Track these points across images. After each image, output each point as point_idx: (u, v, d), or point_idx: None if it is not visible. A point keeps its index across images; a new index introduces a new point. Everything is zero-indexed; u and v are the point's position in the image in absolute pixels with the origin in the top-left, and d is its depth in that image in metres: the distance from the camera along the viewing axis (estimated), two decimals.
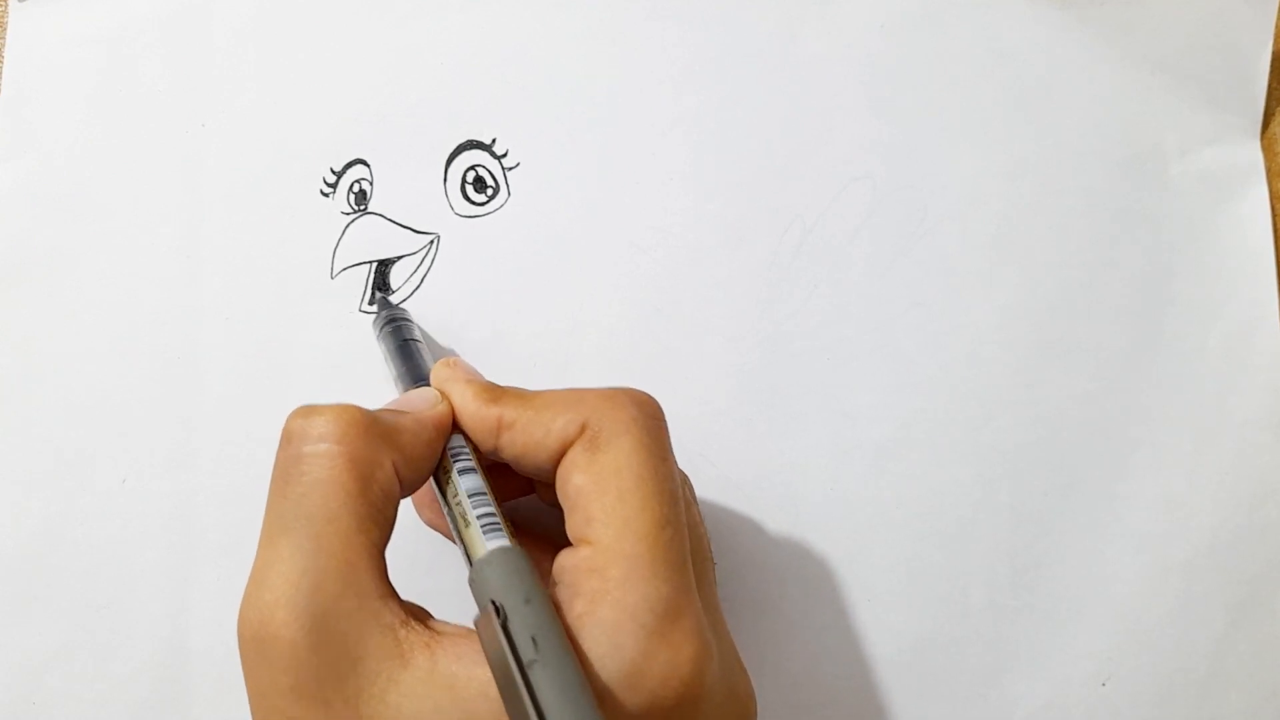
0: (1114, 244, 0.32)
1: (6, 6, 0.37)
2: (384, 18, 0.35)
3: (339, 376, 0.33)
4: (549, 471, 0.24)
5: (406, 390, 0.28)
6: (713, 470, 0.32)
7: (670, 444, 0.24)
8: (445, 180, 0.34)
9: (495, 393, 0.25)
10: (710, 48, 0.34)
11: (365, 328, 0.33)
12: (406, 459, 0.23)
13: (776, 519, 0.31)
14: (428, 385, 0.27)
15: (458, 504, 0.24)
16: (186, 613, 0.33)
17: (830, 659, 0.31)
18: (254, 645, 0.21)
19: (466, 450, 0.25)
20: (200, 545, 0.33)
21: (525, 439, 0.24)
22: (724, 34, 0.34)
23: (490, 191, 0.34)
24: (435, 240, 0.34)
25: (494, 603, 0.20)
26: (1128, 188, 0.32)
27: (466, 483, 0.24)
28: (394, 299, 0.34)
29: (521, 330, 0.33)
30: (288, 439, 0.22)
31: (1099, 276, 0.32)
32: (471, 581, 0.22)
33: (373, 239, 0.34)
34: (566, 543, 0.23)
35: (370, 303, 0.33)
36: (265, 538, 0.22)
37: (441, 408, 0.25)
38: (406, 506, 0.29)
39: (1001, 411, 0.32)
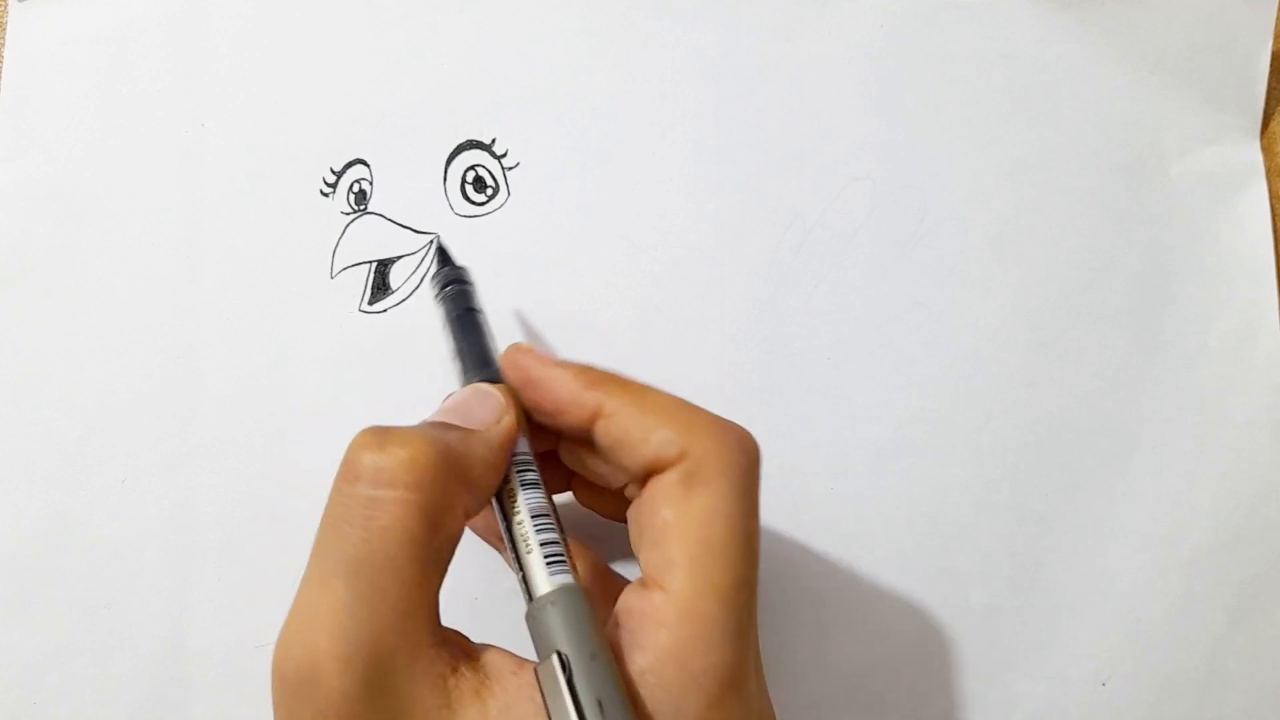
0: (1114, 244, 0.32)
1: (6, 6, 0.37)
2: (384, 18, 0.35)
3: (339, 376, 0.33)
4: (631, 478, 0.23)
5: (466, 373, 0.26)
6: None
7: (759, 495, 0.23)
8: (445, 180, 0.34)
9: (593, 376, 0.23)
10: (710, 48, 0.34)
11: (366, 328, 0.33)
12: (476, 496, 0.22)
13: (776, 519, 0.31)
14: (492, 373, 0.25)
15: (520, 525, 0.22)
16: (186, 613, 0.33)
17: (830, 659, 0.31)
18: (298, 687, 0.20)
19: (531, 460, 0.23)
20: (200, 545, 0.33)
21: (623, 434, 0.22)
22: (724, 34, 0.34)
23: (490, 191, 0.34)
24: (435, 240, 0.34)
25: (559, 654, 0.20)
26: (1127, 188, 0.32)
27: (530, 501, 0.23)
28: (394, 299, 0.33)
29: (521, 330, 0.33)
30: (354, 475, 0.21)
31: (1099, 276, 0.32)
32: (530, 618, 0.21)
33: (373, 239, 0.34)
34: (605, 552, 0.22)
35: (370, 303, 0.33)
36: (317, 576, 0.21)
37: (508, 420, 0.23)
38: None
39: (1001, 411, 0.31)
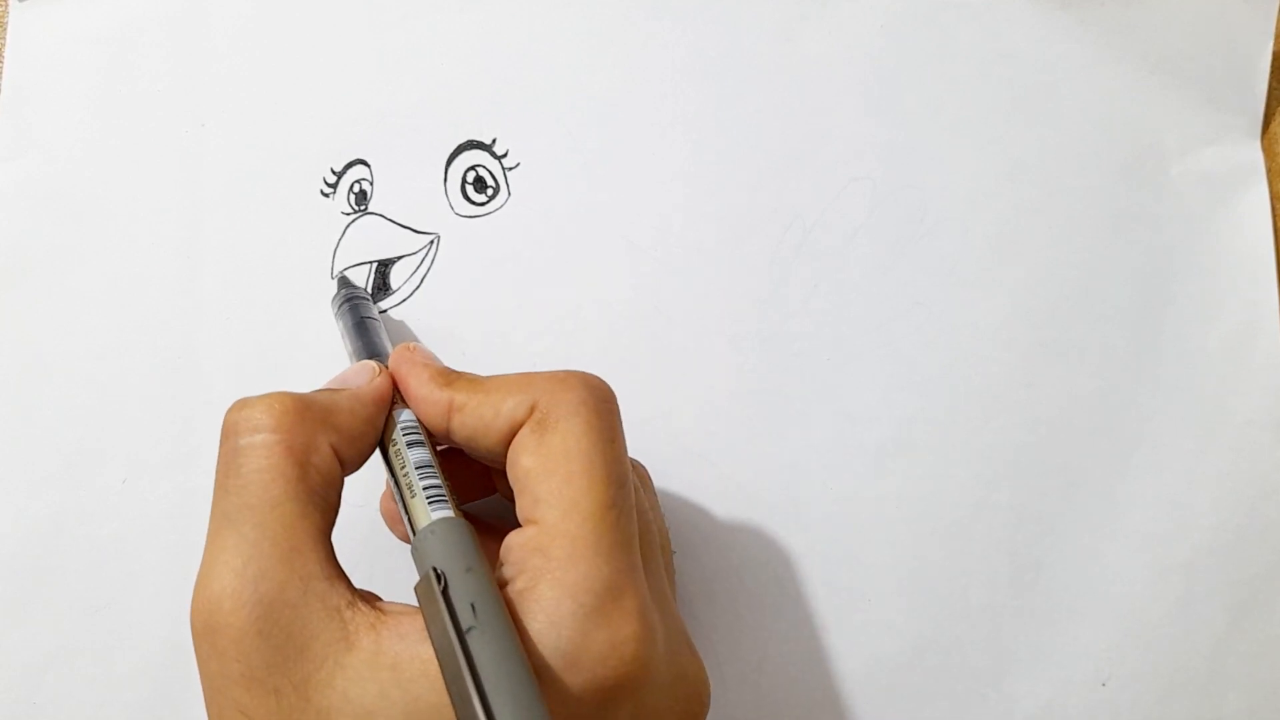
0: (1114, 244, 0.32)
1: (6, 6, 0.37)
2: (384, 18, 0.35)
3: None
4: (500, 455, 0.24)
5: (356, 359, 0.28)
6: (713, 470, 0.32)
7: (621, 427, 0.24)
8: (445, 180, 0.34)
9: (449, 376, 0.25)
10: (710, 48, 0.34)
11: None
12: (344, 438, 0.24)
13: (776, 519, 0.31)
14: (379, 360, 0.27)
15: (405, 475, 0.24)
16: (187, 613, 0.33)
17: (830, 659, 0.31)
18: (204, 636, 0.21)
19: (416, 426, 0.25)
20: (200, 545, 0.33)
21: (475, 421, 0.24)
22: (724, 34, 0.34)
23: (490, 191, 0.34)
24: (435, 240, 0.34)
25: (434, 570, 0.21)
26: (1128, 188, 0.32)
27: (415, 455, 0.24)
28: (394, 299, 0.34)
29: (521, 330, 0.33)
30: (226, 433, 0.23)
31: (1099, 276, 0.32)
32: (414, 551, 0.22)
33: (373, 239, 0.34)
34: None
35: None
36: (211, 531, 0.22)
37: (380, 380, 0.25)
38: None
39: (1001, 411, 0.31)
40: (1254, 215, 0.32)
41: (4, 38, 0.37)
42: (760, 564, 0.31)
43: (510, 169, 0.34)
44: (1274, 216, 0.32)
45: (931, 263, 0.32)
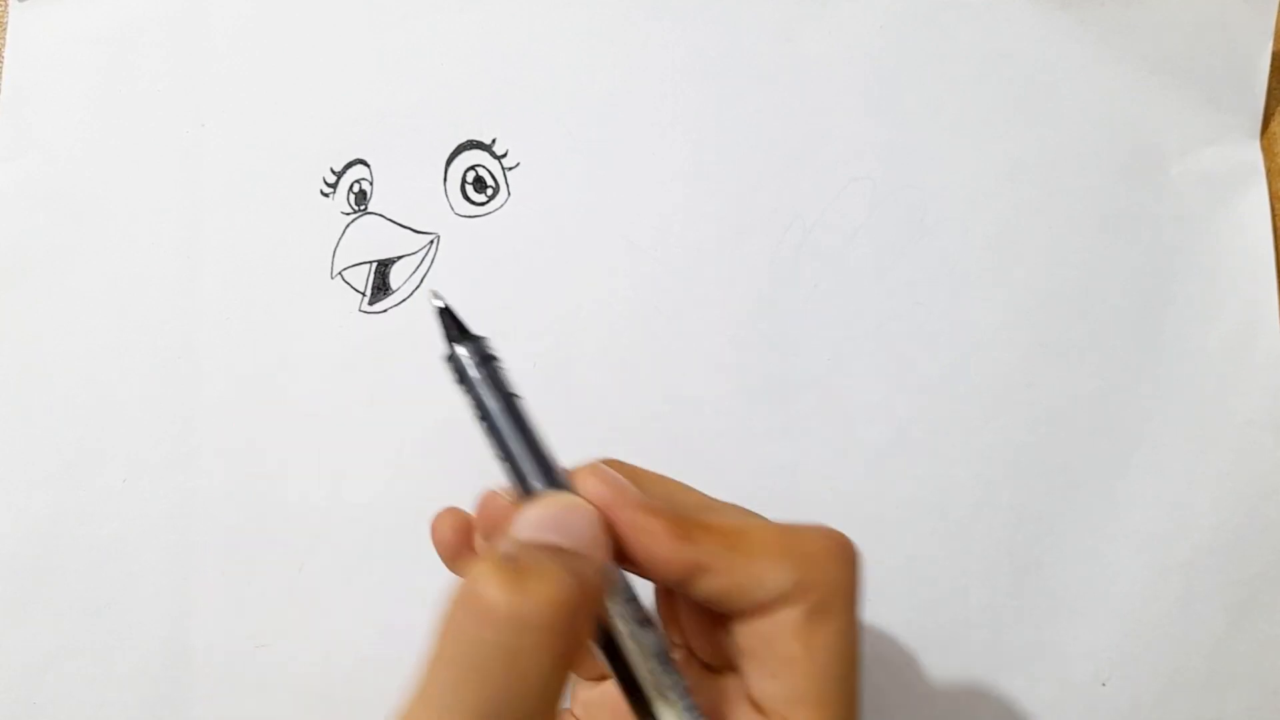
0: (1114, 244, 0.32)
1: (6, 6, 0.37)
2: (384, 18, 0.35)
3: (339, 377, 0.33)
4: (737, 616, 0.21)
5: (525, 479, 0.22)
6: (712, 470, 0.32)
7: None
8: (445, 180, 0.34)
9: (686, 527, 0.21)
10: (710, 48, 0.34)
11: (366, 328, 0.33)
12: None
13: (776, 519, 0.31)
14: (562, 483, 0.22)
15: (649, 670, 0.20)
16: (186, 613, 0.33)
17: None
18: None
19: (635, 595, 0.21)
20: (200, 545, 0.33)
21: (729, 587, 0.21)
22: (724, 34, 0.34)
23: (490, 191, 0.34)
24: (435, 240, 0.34)
25: None
26: (1128, 188, 0.32)
27: (650, 641, 0.21)
28: (394, 299, 0.33)
29: (522, 330, 0.33)
30: (489, 617, 0.18)
31: (1099, 276, 0.32)
32: None
33: (373, 239, 0.34)
34: None
35: (371, 303, 0.33)
36: (447, 714, 0.18)
37: (606, 540, 0.21)
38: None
39: (1001, 411, 0.31)
40: (1254, 215, 0.32)
41: (4, 38, 0.37)
42: None
43: (510, 169, 0.34)
44: (1274, 216, 0.32)
45: (931, 263, 0.32)
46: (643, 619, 0.21)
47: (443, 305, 0.23)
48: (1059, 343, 0.32)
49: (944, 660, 0.31)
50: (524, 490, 0.22)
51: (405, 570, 0.32)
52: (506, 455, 0.22)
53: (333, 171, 0.34)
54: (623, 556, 0.21)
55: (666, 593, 0.24)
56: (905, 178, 0.33)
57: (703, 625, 0.23)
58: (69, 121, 0.36)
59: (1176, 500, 0.31)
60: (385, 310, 0.33)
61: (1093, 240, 0.32)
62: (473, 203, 0.34)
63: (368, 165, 0.34)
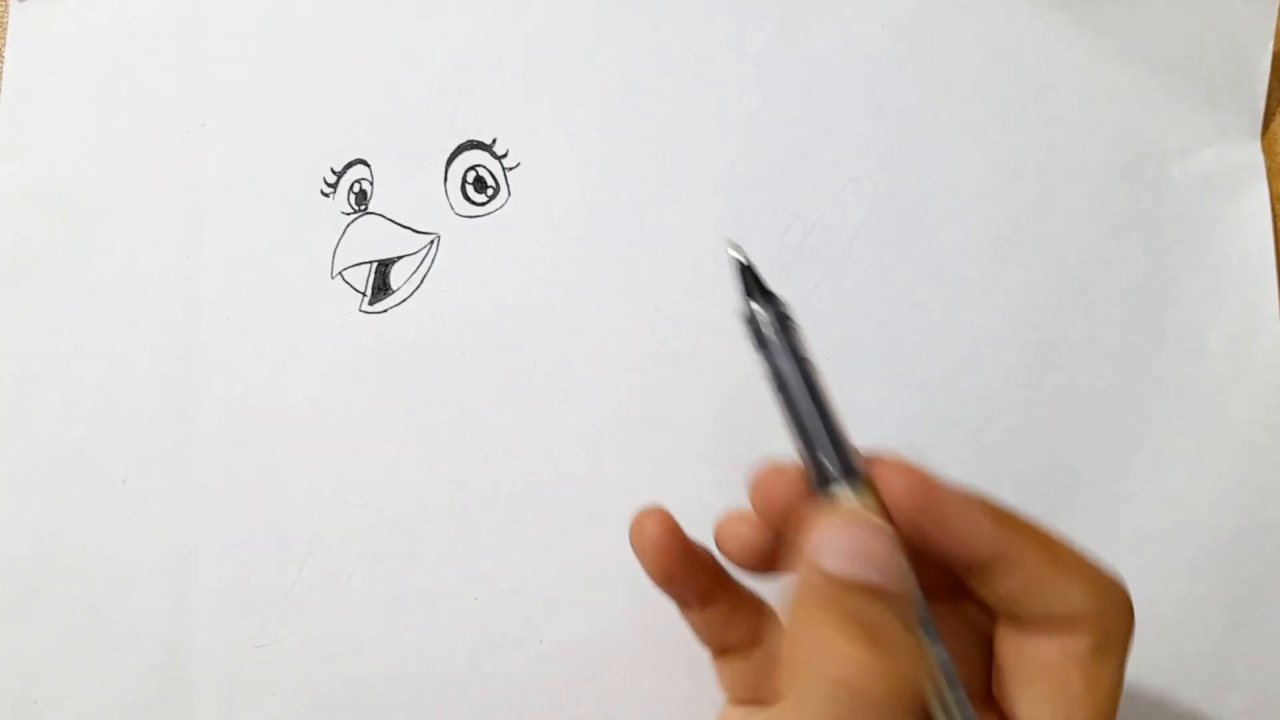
0: (1114, 244, 0.32)
1: (6, 6, 0.37)
2: (384, 18, 0.35)
3: (339, 377, 0.33)
4: (1026, 623, 0.21)
5: (821, 469, 0.21)
6: (713, 470, 0.32)
7: None
8: (445, 180, 0.34)
9: (1002, 514, 0.21)
10: (711, 47, 0.34)
11: (366, 328, 0.33)
12: None
13: None
14: (858, 476, 0.21)
15: (960, 702, 0.20)
16: (186, 613, 0.33)
17: None
18: None
19: (928, 610, 0.20)
20: (200, 545, 0.33)
21: (1031, 586, 0.20)
22: (725, 34, 0.34)
23: (490, 191, 0.34)
24: (435, 240, 0.34)
25: None
26: (1128, 188, 0.32)
27: (943, 660, 0.20)
28: (394, 299, 0.33)
29: (521, 330, 0.33)
30: (864, 703, 0.18)
31: (1099, 277, 0.32)
32: None
33: (373, 239, 0.34)
34: None
35: (371, 303, 0.33)
36: None
37: (910, 571, 0.20)
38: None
39: (1001, 411, 0.31)
40: (1254, 215, 0.32)
41: (4, 38, 0.37)
42: None
43: (510, 169, 0.34)
44: (1274, 216, 0.32)
45: (931, 263, 0.32)
46: (952, 678, 0.19)
47: (744, 262, 0.21)
48: (1059, 343, 0.32)
49: None
50: (816, 472, 0.20)
51: (405, 570, 0.32)
52: (801, 431, 0.20)
53: (333, 171, 0.34)
54: (930, 543, 0.20)
55: None
56: (905, 178, 0.33)
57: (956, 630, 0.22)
58: (69, 121, 0.36)
59: (1176, 500, 0.31)
60: (385, 310, 0.33)
61: (1093, 240, 0.32)
62: (473, 203, 0.34)
63: (368, 165, 0.34)
